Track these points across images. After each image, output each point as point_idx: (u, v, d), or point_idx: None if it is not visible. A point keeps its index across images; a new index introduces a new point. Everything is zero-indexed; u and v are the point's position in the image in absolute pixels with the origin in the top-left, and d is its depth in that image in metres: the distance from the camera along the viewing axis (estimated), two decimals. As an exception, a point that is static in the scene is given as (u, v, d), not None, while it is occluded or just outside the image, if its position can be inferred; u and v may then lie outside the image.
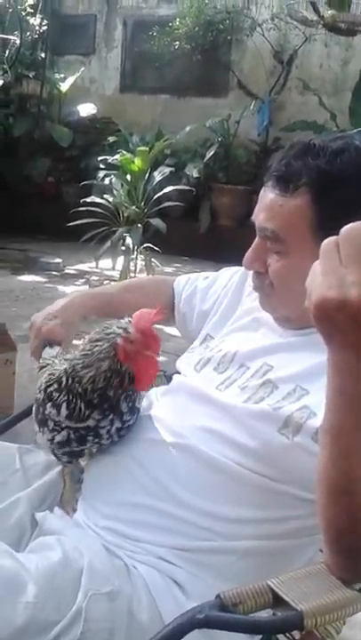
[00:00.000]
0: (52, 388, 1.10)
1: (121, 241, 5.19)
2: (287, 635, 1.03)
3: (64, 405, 1.08)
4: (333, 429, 0.79)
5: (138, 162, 5.39)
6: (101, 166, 6.01)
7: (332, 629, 1.02)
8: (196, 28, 6.79)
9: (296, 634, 1.02)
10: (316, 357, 0.99)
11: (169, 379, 1.34)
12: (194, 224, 6.55)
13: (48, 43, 7.52)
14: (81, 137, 7.35)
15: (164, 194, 5.42)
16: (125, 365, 1.05)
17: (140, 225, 5.26)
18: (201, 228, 6.57)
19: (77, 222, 5.07)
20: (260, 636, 1.04)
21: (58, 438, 1.11)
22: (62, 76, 7.69)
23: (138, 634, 0.92)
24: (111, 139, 6.91)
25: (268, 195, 1.08)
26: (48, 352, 1.27)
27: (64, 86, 7.60)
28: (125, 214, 5.40)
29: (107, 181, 5.73)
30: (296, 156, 1.06)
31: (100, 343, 1.06)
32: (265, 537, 1.02)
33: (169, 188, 5.45)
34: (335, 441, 0.79)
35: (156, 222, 5.21)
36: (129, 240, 5.19)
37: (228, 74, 7.15)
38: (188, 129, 6.68)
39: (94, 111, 7.50)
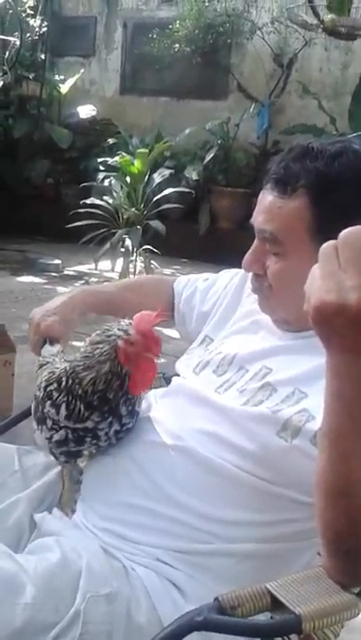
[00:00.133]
0: (51, 387, 1.10)
1: (120, 243, 5.19)
2: (285, 638, 1.03)
3: (63, 406, 1.08)
4: (332, 433, 0.79)
5: (137, 164, 5.39)
6: (101, 168, 6.02)
7: (331, 633, 1.02)
8: (197, 31, 6.80)
9: (294, 637, 1.02)
10: (314, 360, 0.99)
11: (168, 381, 1.34)
12: (193, 226, 6.56)
13: (48, 44, 7.52)
14: (81, 138, 7.36)
15: (163, 196, 5.42)
16: (126, 368, 1.05)
17: (139, 227, 5.26)
18: (200, 230, 6.58)
19: (77, 224, 5.07)
20: None
21: (56, 437, 1.11)
22: (62, 77, 7.70)
23: (136, 636, 0.92)
24: (111, 140, 6.91)
25: (266, 197, 1.09)
26: (48, 350, 1.27)
27: (64, 88, 7.60)
28: (125, 216, 5.40)
29: (106, 183, 5.73)
30: (295, 159, 1.06)
31: (100, 345, 1.06)
32: (263, 540, 1.02)
33: (168, 191, 5.46)
34: (334, 444, 0.79)
35: (156, 224, 5.21)
36: (128, 242, 5.19)
37: (228, 77, 7.15)
38: (187, 131, 6.69)
39: (94, 113, 7.51)
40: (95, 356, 1.06)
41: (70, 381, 1.07)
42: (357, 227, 0.75)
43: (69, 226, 5.07)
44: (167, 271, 5.54)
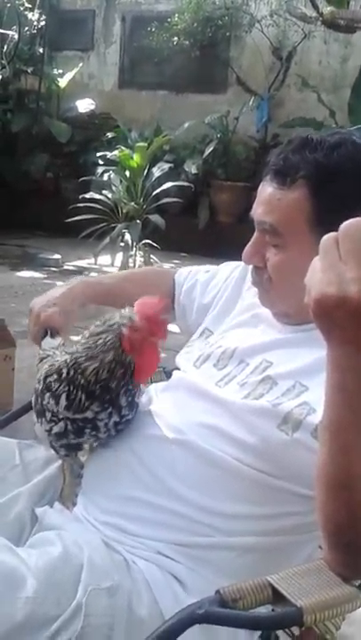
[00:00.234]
0: (51, 379, 1.10)
1: (120, 237, 5.20)
2: (287, 631, 1.03)
3: (64, 396, 1.07)
4: (333, 425, 0.79)
5: (137, 158, 5.38)
6: (100, 162, 6.02)
7: (332, 626, 1.03)
8: (195, 24, 6.78)
9: (295, 630, 1.02)
10: (315, 353, 0.99)
11: (168, 375, 1.34)
12: (193, 220, 6.55)
13: (46, 38, 7.50)
14: (79, 133, 7.34)
15: (162, 190, 5.42)
16: (129, 356, 1.05)
17: (138, 221, 5.27)
18: (200, 224, 6.57)
19: (76, 218, 5.08)
20: (260, 632, 1.04)
21: (55, 429, 1.11)
22: (61, 71, 7.67)
23: (137, 629, 0.92)
24: (110, 134, 6.90)
25: (266, 189, 1.09)
26: (48, 343, 1.27)
27: (62, 82, 7.58)
28: (124, 210, 5.40)
29: (105, 177, 5.73)
30: (294, 151, 1.06)
31: (103, 335, 1.06)
32: (264, 533, 1.02)
33: (168, 185, 5.46)
34: (334, 437, 0.79)
35: (155, 218, 5.21)
36: (128, 236, 5.19)
37: (227, 70, 7.14)
38: (186, 125, 6.68)
39: (93, 107, 7.49)
40: (98, 346, 1.05)
41: (72, 372, 1.07)
42: (358, 219, 0.75)
43: (69, 220, 5.07)
44: (167, 265, 5.53)
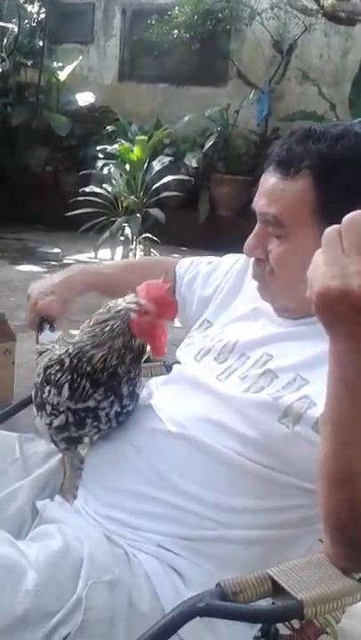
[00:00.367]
0: (51, 370, 1.10)
1: (120, 231, 5.19)
2: (287, 624, 1.03)
3: (66, 386, 1.07)
4: (334, 419, 0.79)
5: (137, 151, 5.37)
6: (100, 156, 5.99)
7: (332, 619, 1.03)
8: (195, 17, 6.75)
9: (296, 623, 1.02)
10: (316, 347, 0.99)
11: (169, 368, 1.33)
12: (193, 214, 6.54)
13: (46, 31, 7.46)
14: (79, 126, 7.32)
15: (162, 184, 5.41)
16: (138, 340, 1.04)
17: (138, 215, 5.25)
18: (200, 218, 6.56)
19: (76, 212, 5.06)
20: (260, 625, 1.04)
21: (56, 422, 1.10)
22: (60, 64, 7.64)
23: (138, 622, 0.92)
24: (110, 128, 6.87)
25: (269, 179, 1.08)
26: (47, 336, 1.27)
27: (62, 75, 7.55)
28: (124, 204, 5.39)
29: (105, 171, 5.72)
30: (297, 141, 1.06)
31: (110, 322, 1.05)
32: (265, 526, 1.02)
33: (168, 178, 5.44)
34: (336, 431, 0.79)
35: (155, 212, 5.20)
36: (128, 230, 5.18)
37: (228, 63, 7.11)
38: (187, 118, 6.65)
39: (93, 100, 7.47)
40: (105, 333, 1.04)
41: (75, 361, 1.06)
42: (360, 211, 0.74)
43: (69, 214, 5.05)
44: (167, 259, 5.52)
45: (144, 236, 5.20)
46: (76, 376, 1.06)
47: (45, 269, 5.50)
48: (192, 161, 6.42)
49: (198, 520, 1.01)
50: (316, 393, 0.95)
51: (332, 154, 1.03)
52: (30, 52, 7.41)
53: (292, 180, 1.04)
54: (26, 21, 7.26)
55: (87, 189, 5.33)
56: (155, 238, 5.15)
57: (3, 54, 7.02)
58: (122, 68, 7.93)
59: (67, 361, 1.08)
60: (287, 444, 0.99)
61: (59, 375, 1.08)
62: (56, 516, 1.07)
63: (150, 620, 0.84)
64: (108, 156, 5.81)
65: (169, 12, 6.87)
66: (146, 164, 5.47)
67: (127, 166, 5.48)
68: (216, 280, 1.34)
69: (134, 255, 5.32)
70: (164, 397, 1.16)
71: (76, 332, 1.27)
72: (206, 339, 1.24)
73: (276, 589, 0.81)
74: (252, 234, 1.12)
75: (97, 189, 5.37)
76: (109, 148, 5.76)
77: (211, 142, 6.51)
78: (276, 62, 6.85)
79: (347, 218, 0.74)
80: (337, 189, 1.02)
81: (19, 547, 0.95)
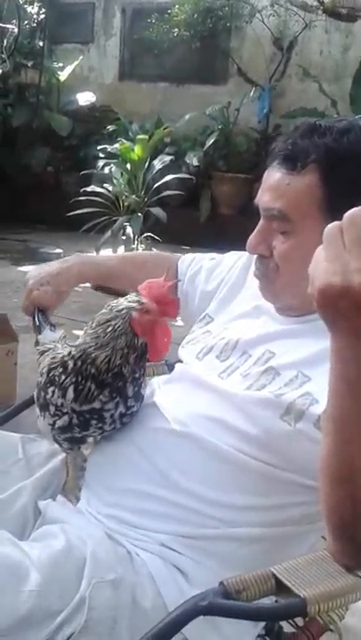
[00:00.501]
0: (55, 372, 1.10)
1: (121, 230, 5.18)
2: (290, 621, 1.03)
3: (71, 388, 1.07)
4: (336, 416, 0.79)
5: (138, 150, 5.36)
6: (101, 155, 5.99)
7: (336, 616, 1.02)
8: (195, 15, 6.74)
9: (299, 620, 1.02)
10: (318, 344, 0.99)
11: (171, 367, 1.33)
12: (194, 213, 6.54)
13: (46, 31, 7.46)
14: (80, 126, 7.32)
15: (164, 182, 5.40)
16: (141, 339, 1.04)
17: (140, 214, 5.25)
18: (201, 216, 6.56)
19: (77, 212, 5.06)
20: (264, 623, 1.04)
21: (59, 423, 1.10)
22: (61, 64, 7.64)
23: (141, 621, 0.92)
24: (110, 127, 6.87)
25: (273, 174, 1.07)
26: (49, 336, 1.27)
27: (63, 75, 7.55)
28: (125, 203, 5.39)
29: (106, 170, 5.71)
30: (303, 136, 1.05)
31: (112, 322, 1.05)
32: (268, 524, 1.02)
33: (169, 177, 5.43)
34: (338, 427, 0.79)
35: (157, 211, 5.19)
36: (129, 229, 5.17)
37: (228, 61, 7.10)
38: (187, 117, 6.65)
39: (93, 100, 7.47)
40: (107, 334, 1.04)
41: (80, 363, 1.06)
42: None
43: (70, 214, 5.05)
44: (169, 258, 5.52)
45: (146, 235, 5.19)
46: (80, 378, 1.06)
47: (47, 270, 5.49)
48: (193, 159, 6.42)
49: (200, 518, 1.01)
50: (318, 390, 0.95)
51: (338, 148, 1.03)
52: (30, 53, 7.41)
53: (298, 175, 1.04)
54: (26, 22, 7.26)
55: (88, 189, 5.32)
56: (156, 237, 5.14)
57: (3, 55, 7.02)
58: (122, 68, 7.92)
59: (70, 363, 1.07)
60: (289, 442, 0.99)
61: (63, 377, 1.08)
62: (59, 516, 1.07)
63: (154, 619, 0.84)
64: (109, 155, 5.80)
65: (169, 11, 6.86)
66: (147, 163, 5.47)
67: (128, 165, 5.48)
68: (220, 275, 1.34)
69: (136, 254, 5.32)
70: (167, 396, 1.16)
71: (78, 332, 1.27)
72: (208, 335, 1.23)
73: (280, 587, 0.81)
74: (255, 230, 1.11)
75: (98, 189, 5.36)
76: (110, 148, 5.76)
77: (212, 140, 6.50)
78: (276, 59, 6.84)
79: (348, 214, 0.74)
80: (344, 183, 1.01)
81: (21, 547, 0.95)
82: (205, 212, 6.58)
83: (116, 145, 5.61)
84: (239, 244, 1.15)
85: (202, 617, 0.80)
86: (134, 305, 1.04)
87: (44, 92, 7.46)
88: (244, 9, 6.70)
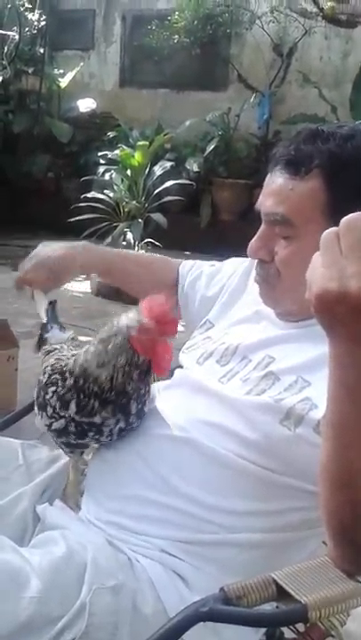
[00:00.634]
0: (57, 377, 1.09)
1: (122, 236, 5.19)
2: (291, 627, 1.03)
3: (73, 403, 1.06)
4: (335, 422, 0.79)
5: (138, 156, 5.37)
6: (101, 161, 6.01)
7: (337, 622, 1.02)
8: (195, 22, 6.76)
9: (300, 626, 1.02)
10: (317, 349, 0.99)
11: (171, 372, 1.33)
12: (195, 219, 6.54)
13: (47, 38, 7.49)
14: (81, 132, 7.34)
15: (164, 188, 5.41)
16: (143, 357, 1.04)
17: (140, 220, 5.25)
18: (202, 222, 6.56)
19: (78, 218, 5.07)
20: (265, 629, 1.04)
21: (55, 425, 1.10)
22: (61, 71, 7.67)
23: (142, 627, 0.91)
24: (111, 134, 6.89)
25: (276, 179, 1.07)
26: (57, 336, 1.27)
27: (63, 82, 7.58)
28: (126, 209, 5.39)
29: (107, 177, 5.72)
30: (306, 141, 1.05)
31: (112, 340, 1.04)
32: (268, 529, 1.02)
33: (169, 183, 5.44)
34: (337, 433, 0.79)
35: (157, 217, 5.20)
36: (130, 235, 5.18)
37: (228, 67, 7.12)
38: (188, 123, 6.67)
39: (94, 106, 7.48)
40: (108, 352, 1.04)
41: (81, 381, 1.05)
42: (358, 213, 0.74)
43: (71, 220, 5.06)
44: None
45: (146, 241, 5.20)
46: (83, 396, 1.05)
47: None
48: (193, 165, 6.43)
49: (200, 524, 1.01)
50: (318, 395, 0.95)
51: (342, 153, 1.03)
52: (31, 60, 7.43)
53: (301, 180, 1.04)
54: (26, 29, 7.28)
55: (89, 195, 5.33)
56: (157, 243, 5.15)
57: (4, 62, 7.04)
58: (122, 74, 7.95)
59: (70, 381, 1.07)
60: (289, 447, 0.99)
61: (63, 391, 1.08)
62: (59, 522, 1.06)
63: (154, 625, 0.83)
64: (110, 161, 5.82)
65: (169, 18, 6.89)
66: (147, 170, 5.48)
67: (128, 172, 5.49)
68: (220, 281, 1.34)
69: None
70: (167, 401, 1.16)
71: (80, 338, 1.27)
72: (208, 341, 1.23)
73: (280, 593, 0.80)
74: (257, 235, 1.11)
75: (99, 195, 5.37)
76: (111, 154, 5.77)
77: (212, 146, 6.52)
78: (276, 65, 6.86)
79: (345, 220, 0.74)
80: (347, 189, 1.02)
81: (22, 553, 0.95)
82: (206, 217, 6.59)
83: (117, 151, 5.62)
84: (240, 250, 1.15)
85: (202, 623, 0.80)
86: (134, 324, 1.04)
87: (44, 98, 7.49)
88: (243, 15, 6.73)
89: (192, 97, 7.30)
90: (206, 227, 6.53)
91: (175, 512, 1.02)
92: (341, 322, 0.73)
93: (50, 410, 1.09)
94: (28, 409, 1.33)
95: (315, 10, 5.86)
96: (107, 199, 5.36)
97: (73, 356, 1.12)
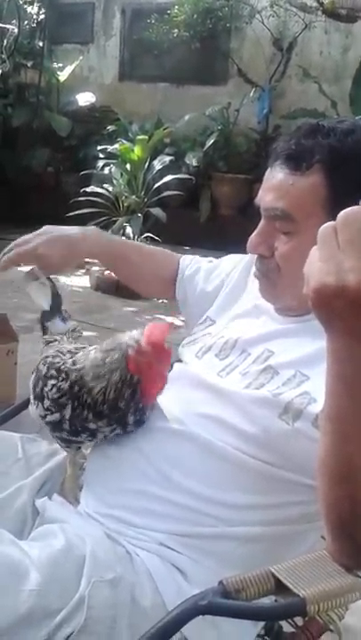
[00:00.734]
0: (54, 375, 1.09)
1: (121, 231, 5.18)
2: (290, 621, 1.03)
3: (69, 407, 1.07)
4: (333, 416, 0.79)
5: (137, 151, 5.37)
6: (101, 155, 5.99)
7: (335, 616, 1.03)
8: (195, 16, 6.74)
9: (299, 620, 1.02)
10: (316, 343, 0.99)
11: (170, 366, 1.33)
12: (194, 213, 6.53)
13: (46, 31, 7.45)
14: (80, 126, 7.31)
15: (163, 183, 5.40)
16: (137, 377, 1.04)
17: (140, 214, 5.25)
18: (201, 217, 6.56)
19: (77, 212, 5.06)
20: (264, 623, 1.04)
21: (50, 418, 1.10)
22: (61, 65, 7.64)
23: (141, 620, 0.92)
24: (110, 128, 6.87)
25: (276, 174, 1.07)
26: (58, 326, 1.26)
27: (62, 75, 7.55)
28: (125, 204, 5.39)
29: (106, 171, 5.71)
30: (306, 136, 1.05)
31: (111, 354, 1.05)
32: (267, 523, 1.02)
33: (169, 177, 5.44)
34: (335, 427, 0.79)
35: (157, 212, 5.20)
36: (129, 230, 5.18)
37: (228, 62, 7.10)
38: (187, 117, 6.65)
39: (93, 100, 7.46)
40: (106, 365, 1.05)
41: (77, 388, 1.06)
42: (356, 207, 0.74)
43: (70, 214, 5.05)
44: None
45: (145, 235, 5.19)
46: (77, 404, 1.06)
47: (47, 270, 5.48)
48: (193, 160, 6.42)
49: (199, 517, 1.01)
50: (317, 389, 0.95)
51: (342, 148, 1.03)
52: (30, 53, 7.41)
53: (302, 175, 1.04)
54: (26, 22, 7.26)
55: (88, 189, 5.32)
56: (156, 238, 5.14)
57: (3, 55, 7.02)
58: (122, 68, 7.92)
59: (67, 385, 1.07)
60: (287, 441, 0.99)
61: (60, 394, 1.08)
62: (58, 515, 1.07)
63: (153, 618, 0.84)
64: (109, 155, 5.81)
65: (168, 12, 6.86)
66: (147, 164, 5.47)
67: (128, 166, 5.48)
68: (218, 277, 1.34)
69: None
70: (166, 395, 1.16)
71: (86, 334, 1.26)
72: (208, 336, 1.23)
73: (279, 587, 0.81)
74: (256, 230, 1.11)
75: (98, 189, 5.37)
76: (110, 148, 5.76)
77: (211, 141, 6.50)
78: (276, 60, 6.84)
79: (342, 214, 0.74)
80: (348, 183, 1.02)
81: (21, 546, 0.95)
82: (205, 212, 6.58)
83: (116, 145, 5.61)
84: (239, 245, 1.15)
85: (201, 616, 0.80)
86: (132, 343, 1.05)
87: (43, 92, 7.46)
88: (243, 10, 6.70)
89: (192, 91, 7.29)
90: (206, 221, 6.52)
91: (174, 505, 1.02)
92: (339, 316, 0.73)
93: (47, 402, 1.10)
94: (28, 403, 1.33)
95: (315, 4, 5.84)
96: (106, 193, 5.36)
97: (70, 352, 1.12)
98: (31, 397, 1.15)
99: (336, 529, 0.82)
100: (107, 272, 4.88)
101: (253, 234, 1.11)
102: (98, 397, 1.04)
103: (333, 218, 0.75)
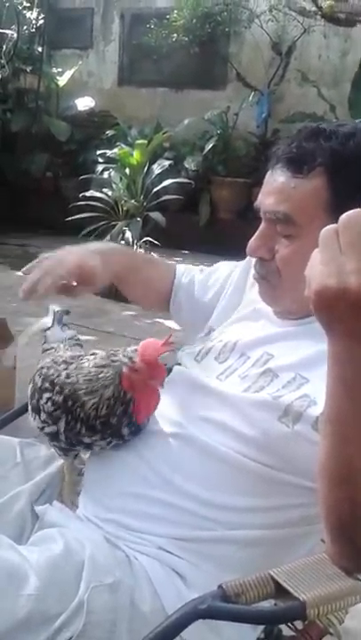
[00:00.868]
0: (47, 388, 1.09)
1: (120, 235, 5.18)
2: (290, 625, 1.03)
3: (63, 422, 1.07)
4: (333, 418, 0.79)
5: (137, 155, 5.38)
6: (100, 160, 6.00)
7: (335, 619, 1.03)
8: (194, 21, 6.75)
9: (299, 624, 1.02)
10: (316, 346, 0.99)
11: (169, 371, 1.33)
12: (193, 217, 6.54)
13: (45, 37, 7.47)
14: (79, 131, 7.33)
15: (163, 187, 5.41)
16: (129, 394, 1.04)
17: (139, 219, 5.25)
18: (200, 221, 6.56)
19: (77, 217, 5.07)
20: (263, 627, 1.04)
21: (47, 430, 1.10)
22: (60, 70, 7.65)
23: (140, 625, 0.91)
24: (110, 132, 6.88)
25: (277, 178, 1.06)
26: (57, 335, 1.26)
27: (62, 80, 7.56)
28: (125, 208, 5.39)
29: (105, 175, 5.72)
30: (307, 139, 1.05)
31: (105, 370, 1.05)
32: (267, 526, 1.02)
33: (168, 181, 5.45)
34: (336, 429, 0.79)
35: (156, 216, 5.20)
36: (128, 234, 5.18)
37: (227, 66, 7.12)
38: (186, 122, 6.66)
39: (92, 105, 7.48)
40: (99, 380, 1.05)
41: (70, 402, 1.06)
42: (357, 210, 0.74)
43: (69, 219, 5.06)
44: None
45: (145, 239, 5.20)
46: (70, 417, 1.06)
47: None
48: (192, 164, 6.42)
49: (198, 521, 1.01)
50: (316, 391, 0.95)
51: (344, 151, 1.03)
52: (29, 58, 7.42)
53: (304, 179, 1.03)
54: (25, 27, 7.27)
55: (87, 194, 5.33)
56: (155, 242, 5.14)
57: (2, 60, 7.03)
58: (121, 73, 7.94)
59: (60, 399, 1.07)
60: (287, 443, 0.99)
61: (54, 408, 1.08)
62: (57, 520, 1.06)
63: (152, 623, 0.83)
64: (108, 160, 5.82)
65: (167, 16, 6.88)
66: (146, 168, 5.48)
67: (127, 170, 5.49)
68: (214, 286, 1.33)
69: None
70: (165, 399, 1.15)
71: (84, 337, 1.26)
72: (207, 340, 1.23)
73: (279, 590, 0.80)
74: (257, 234, 1.10)
75: (97, 194, 5.37)
76: (109, 153, 5.77)
77: (210, 145, 6.51)
78: (275, 64, 6.86)
79: (343, 217, 0.74)
80: (349, 186, 1.02)
81: (20, 551, 0.95)
82: (204, 216, 6.59)
83: (115, 150, 5.62)
84: (239, 249, 1.15)
85: (201, 620, 0.80)
86: (126, 360, 1.05)
87: (43, 97, 7.47)
88: (242, 14, 6.71)
89: (191, 95, 7.30)
90: (205, 225, 6.53)
91: (172, 509, 1.02)
92: (340, 318, 0.73)
93: (43, 415, 1.10)
94: (26, 408, 1.33)
95: (314, 8, 5.87)
96: (105, 198, 5.36)
97: (65, 362, 1.11)
98: (29, 409, 1.15)
99: (336, 531, 0.82)
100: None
101: (253, 237, 1.11)
102: (90, 412, 1.05)
103: (335, 221, 0.76)
